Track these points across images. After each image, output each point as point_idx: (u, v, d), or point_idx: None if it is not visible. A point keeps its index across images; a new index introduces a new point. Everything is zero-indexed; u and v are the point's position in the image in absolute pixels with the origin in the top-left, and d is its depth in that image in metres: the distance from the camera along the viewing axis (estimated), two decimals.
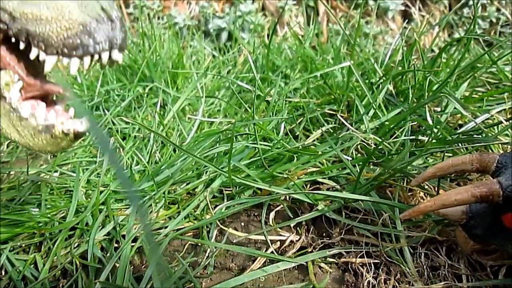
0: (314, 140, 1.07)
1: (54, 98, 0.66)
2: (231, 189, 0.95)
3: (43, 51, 0.55)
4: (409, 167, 0.88)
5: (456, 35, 2.08)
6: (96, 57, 0.56)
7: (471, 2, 1.77)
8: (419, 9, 2.20)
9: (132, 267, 0.80)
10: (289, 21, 2.17)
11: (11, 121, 0.60)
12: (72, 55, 0.55)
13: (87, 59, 0.56)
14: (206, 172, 1.01)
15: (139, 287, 0.71)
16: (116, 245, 0.86)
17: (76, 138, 0.62)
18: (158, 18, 2.26)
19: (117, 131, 1.33)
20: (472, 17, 2.07)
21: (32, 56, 0.56)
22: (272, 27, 2.05)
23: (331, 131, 1.13)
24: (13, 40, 0.57)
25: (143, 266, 0.84)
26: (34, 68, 0.62)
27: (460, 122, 1.08)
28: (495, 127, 0.97)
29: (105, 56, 0.56)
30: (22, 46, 0.57)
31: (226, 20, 2.12)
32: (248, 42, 2.09)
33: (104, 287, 0.73)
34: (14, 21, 0.54)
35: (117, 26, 0.56)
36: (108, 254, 0.83)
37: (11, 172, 1.18)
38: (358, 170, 0.92)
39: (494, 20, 2.09)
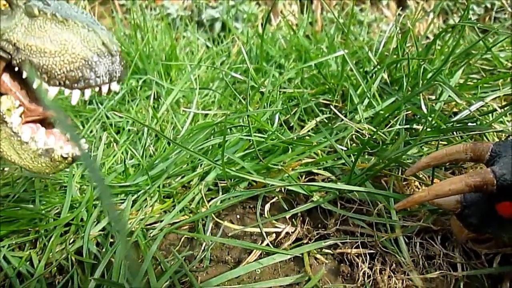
0: (308, 131, 1.07)
1: (52, 121, 0.68)
2: (226, 182, 0.95)
3: (46, 82, 0.58)
4: (403, 157, 0.88)
5: (451, 22, 2.07)
6: (97, 89, 0.59)
7: None
8: None
9: (127, 262, 0.80)
10: (282, 9, 2.15)
11: (12, 144, 0.62)
12: (74, 87, 0.57)
13: (88, 91, 0.59)
14: (201, 165, 1.01)
15: (134, 282, 0.71)
16: (111, 240, 0.86)
17: (73, 161, 0.64)
18: (151, 9, 2.23)
19: (111, 125, 1.32)
20: (466, 3, 2.06)
21: (35, 85, 0.59)
22: (266, 17, 2.03)
23: (326, 121, 1.12)
24: (16, 68, 0.59)
25: (140, 261, 0.84)
26: (34, 93, 0.65)
27: (454, 110, 1.07)
28: (490, 114, 0.96)
29: (105, 88, 0.59)
30: (24, 75, 0.59)
31: (220, 10, 2.10)
32: (242, 32, 2.07)
33: (99, 284, 0.72)
34: (18, 52, 0.57)
35: (117, 60, 0.59)
36: (103, 250, 0.83)
37: (5, 169, 1.18)
38: (353, 160, 0.92)
39: (489, 5, 2.08)
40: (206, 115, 1.26)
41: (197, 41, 1.95)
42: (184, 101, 1.44)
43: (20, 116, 0.63)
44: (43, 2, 0.59)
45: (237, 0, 2.09)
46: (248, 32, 1.75)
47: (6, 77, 0.63)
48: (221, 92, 1.37)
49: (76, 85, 0.58)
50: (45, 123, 0.67)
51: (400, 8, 2.16)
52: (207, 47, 1.95)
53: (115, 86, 0.61)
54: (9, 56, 0.59)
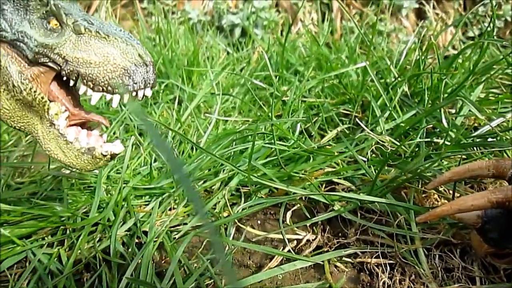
0: (329, 140, 1.09)
1: (91, 124, 0.76)
2: (248, 187, 0.97)
3: (90, 88, 0.65)
4: (424, 170, 0.89)
5: (470, 34, 2.08)
6: (134, 94, 0.66)
7: (486, 0, 1.76)
8: (433, 7, 2.19)
9: (154, 263, 0.83)
10: (302, 17, 2.18)
11: (59, 144, 0.69)
12: (115, 93, 0.65)
13: (126, 96, 0.66)
14: (223, 171, 1.03)
15: (161, 283, 0.74)
16: (137, 240, 0.89)
17: (112, 158, 0.71)
18: (172, 13, 2.27)
19: (133, 127, 1.35)
20: (486, 15, 2.07)
21: (81, 92, 0.66)
22: (287, 25, 2.06)
23: (346, 131, 1.14)
24: (64, 78, 0.67)
25: (163, 262, 0.86)
26: (76, 100, 0.73)
27: (475, 124, 1.08)
28: (511, 131, 0.97)
29: (140, 94, 0.67)
30: (71, 83, 0.67)
31: (240, 16, 2.13)
32: (261, 38, 2.10)
33: (130, 283, 0.75)
34: (67, 64, 0.65)
35: (150, 69, 0.67)
36: (130, 250, 0.86)
37: (31, 167, 1.21)
38: (373, 171, 0.94)
39: (509, 19, 2.08)
40: (226, 121, 1.29)
41: (218, 46, 1.99)
42: (205, 106, 1.48)
43: (65, 120, 0.70)
44: (87, 22, 0.66)
45: (257, 7, 2.12)
46: (270, 40, 1.78)
47: (54, 86, 0.70)
48: (241, 98, 1.40)
49: (116, 90, 0.65)
50: (84, 127, 0.73)
51: (420, 19, 2.17)
52: (227, 53, 1.97)
53: (148, 92, 0.68)
54: (59, 68, 0.66)
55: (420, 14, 2.23)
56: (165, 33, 1.78)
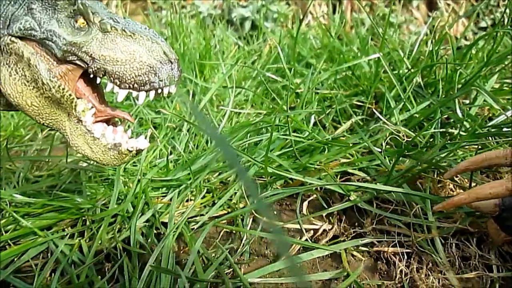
0: (343, 132, 1.09)
1: (116, 120, 0.77)
2: (263, 179, 0.98)
3: (117, 86, 0.66)
4: (439, 160, 0.90)
5: (482, 24, 2.06)
6: (159, 91, 0.67)
7: None
8: None
9: (173, 253, 0.84)
10: (311, 10, 2.17)
11: (86, 140, 0.70)
12: (141, 90, 0.66)
13: (152, 93, 0.67)
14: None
15: (182, 272, 0.75)
16: (155, 231, 0.91)
17: (137, 154, 0.72)
18: (182, 7, 2.28)
19: (146, 121, 1.37)
20: (499, 5, 2.05)
21: (108, 89, 0.67)
22: (297, 18, 2.06)
23: (360, 122, 1.15)
24: (91, 76, 0.68)
25: (182, 252, 0.88)
26: (102, 96, 0.74)
27: (489, 115, 1.08)
28: None
29: (166, 90, 0.67)
30: (98, 81, 0.68)
31: (250, 9, 2.13)
32: (272, 31, 2.10)
33: (151, 272, 0.76)
34: (94, 61, 0.66)
35: (175, 67, 0.67)
36: (149, 240, 0.87)
37: (49, 161, 1.23)
38: (389, 162, 0.95)
39: None
40: (239, 114, 1.30)
41: (228, 40, 1.99)
42: (217, 99, 1.49)
43: (92, 116, 0.71)
44: (113, 20, 0.67)
45: (267, 0, 2.12)
46: (281, 32, 1.78)
47: (80, 83, 0.71)
48: (254, 91, 1.41)
49: (143, 87, 0.66)
50: (109, 123, 0.75)
51: (431, 10, 2.16)
52: (238, 46, 1.98)
53: (173, 89, 0.69)
54: (86, 65, 0.67)
55: (431, 5, 2.22)
56: (177, 27, 1.79)
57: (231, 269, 0.80)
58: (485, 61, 1.06)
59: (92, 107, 0.71)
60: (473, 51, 1.27)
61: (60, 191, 1.04)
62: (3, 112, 1.69)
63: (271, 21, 2.14)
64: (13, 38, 0.66)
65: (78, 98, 0.70)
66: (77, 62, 0.67)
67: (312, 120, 1.13)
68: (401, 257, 0.78)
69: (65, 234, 0.93)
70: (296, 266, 0.31)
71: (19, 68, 0.67)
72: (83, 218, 0.95)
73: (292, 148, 1.00)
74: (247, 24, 2.15)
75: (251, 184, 0.22)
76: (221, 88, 1.47)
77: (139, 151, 0.71)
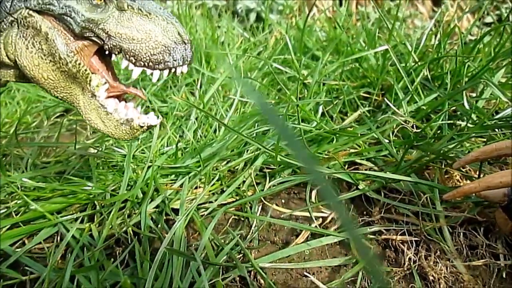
0: (351, 122, 1.10)
1: (127, 96, 0.79)
2: (271, 168, 0.99)
3: (132, 63, 0.67)
4: (447, 151, 0.91)
5: (488, 19, 2.07)
6: (173, 70, 0.68)
7: None
8: None
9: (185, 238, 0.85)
10: (317, 3, 2.17)
11: (99, 114, 0.72)
12: (155, 68, 0.67)
13: (166, 72, 0.68)
14: (247, 151, 1.05)
15: (194, 256, 0.76)
16: (165, 217, 0.91)
17: (147, 129, 0.74)
18: None
19: (153, 109, 1.37)
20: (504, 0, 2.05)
21: (123, 66, 0.68)
22: (303, 10, 2.06)
23: (367, 113, 1.15)
24: (106, 52, 0.69)
25: (192, 238, 0.89)
26: (114, 73, 0.76)
27: (496, 107, 1.09)
28: None
29: (178, 70, 0.69)
30: (114, 58, 0.69)
31: (255, 1, 2.13)
32: (277, 23, 2.10)
33: (162, 256, 0.77)
34: (110, 39, 0.67)
35: (189, 47, 0.69)
36: (159, 226, 0.88)
37: (56, 148, 1.24)
38: (397, 152, 0.96)
39: None
40: (245, 104, 1.31)
41: (233, 31, 1.99)
42: (223, 89, 1.49)
43: (105, 92, 0.72)
44: None
45: None
46: (288, 24, 1.78)
47: (95, 59, 0.73)
48: (260, 81, 1.41)
49: (157, 66, 0.67)
50: (120, 99, 0.76)
51: (436, 5, 2.16)
52: (244, 37, 1.98)
53: (185, 69, 0.70)
54: (102, 42, 0.68)
55: (437, 0, 2.22)
56: (183, 17, 1.79)
57: (241, 255, 0.81)
58: (493, 55, 1.07)
59: (105, 83, 0.72)
60: (480, 46, 1.27)
61: (71, 175, 1.05)
62: (9, 99, 1.69)
63: (276, 13, 2.14)
64: (30, 12, 0.67)
65: (92, 73, 0.71)
66: (94, 38, 0.68)
67: (320, 111, 1.14)
68: (409, 245, 0.80)
69: (75, 217, 0.93)
70: (364, 244, 0.31)
71: (36, 41, 0.68)
72: (93, 203, 0.96)
73: (302, 137, 1.01)
74: (252, 16, 2.15)
75: (326, 187, 0.23)
76: (227, 78, 1.47)
77: (150, 127, 0.73)
